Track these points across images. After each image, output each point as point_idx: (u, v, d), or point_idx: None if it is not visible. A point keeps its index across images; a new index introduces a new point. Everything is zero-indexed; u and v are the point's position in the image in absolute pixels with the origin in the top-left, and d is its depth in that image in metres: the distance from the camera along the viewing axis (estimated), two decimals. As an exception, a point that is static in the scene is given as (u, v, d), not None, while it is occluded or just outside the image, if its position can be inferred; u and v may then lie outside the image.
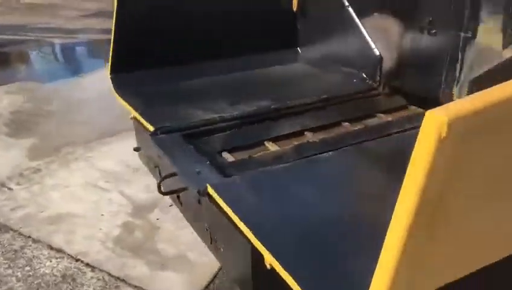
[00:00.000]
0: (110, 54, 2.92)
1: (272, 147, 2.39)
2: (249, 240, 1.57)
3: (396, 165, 1.77)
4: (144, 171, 3.24)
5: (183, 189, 2.15)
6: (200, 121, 2.50)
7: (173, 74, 3.12)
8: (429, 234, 0.96)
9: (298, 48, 3.67)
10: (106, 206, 3.28)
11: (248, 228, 1.56)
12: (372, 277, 1.01)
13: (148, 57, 3.07)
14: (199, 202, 2.01)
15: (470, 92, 2.52)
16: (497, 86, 0.93)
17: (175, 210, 3.07)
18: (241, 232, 1.61)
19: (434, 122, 0.81)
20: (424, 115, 0.82)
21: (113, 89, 2.90)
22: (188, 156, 2.16)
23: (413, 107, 2.86)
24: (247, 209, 1.68)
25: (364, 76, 3.09)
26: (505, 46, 2.45)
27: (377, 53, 3.01)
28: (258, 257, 1.55)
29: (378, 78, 3.02)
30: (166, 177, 2.11)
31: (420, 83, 2.89)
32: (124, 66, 2.94)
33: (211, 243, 2.05)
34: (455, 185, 0.94)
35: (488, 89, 0.92)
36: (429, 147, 0.82)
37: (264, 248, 1.47)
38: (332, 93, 2.90)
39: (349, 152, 2.18)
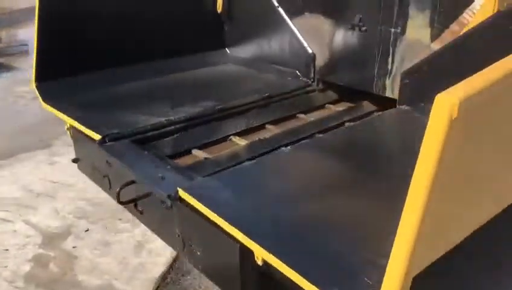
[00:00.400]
0: (34, 61, 2.69)
1: (228, 145, 2.41)
2: (235, 239, 1.53)
3: (348, 154, 2.12)
4: (48, 195, 3.03)
5: (145, 196, 2.01)
6: (148, 126, 2.40)
7: (103, 78, 2.92)
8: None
9: (226, 49, 3.66)
10: (10, 239, 2.90)
11: (234, 226, 1.51)
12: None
13: (75, 62, 2.86)
14: (170, 207, 1.85)
15: (402, 82, 2.67)
16: (494, 65, 1.03)
17: (92, 235, 2.87)
18: (224, 231, 1.56)
19: (445, 105, 0.88)
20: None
21: (40, 99, 2.67)
22: (146, 161, 2.08)
23: (345, 102, 3.09)
24: (226, 208, 1.63)
25: (298, 73, 3.18)
26: (433, 39, 2.71)
27: (310, 51, 3.13)
28: (246, 254, 1.53)
29: (312, 75, 3.14)
30: (125, 185, 1.97)
31: (354, 77, 3.04)
32: (50, 74, 2.73)
33: (183, 249, 1.92)
34: (466, 158, 1.03)
35: (486, 69, 1.02)
36: (441, 129, 0.88)
37: (255, 244, 1.44)
38: (272, 91, 2.95)
39: (304, 145, 2.25)
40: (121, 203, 2.01)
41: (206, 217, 1.62)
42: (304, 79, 3.16)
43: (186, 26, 3.43)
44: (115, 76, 2.99)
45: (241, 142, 2.44)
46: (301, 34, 3.19)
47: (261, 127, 2.64)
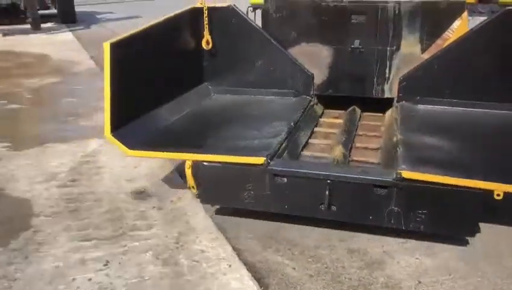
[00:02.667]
0: (108, 114, 2.79)
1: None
2: (469, 188, 2.38)
3: None
4: None
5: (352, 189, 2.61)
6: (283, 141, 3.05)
7: (153, 116, 3.26)
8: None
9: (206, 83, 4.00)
10: None
11: (464, 178, 2.39)
12: None
13: (136, 106, 3.11)
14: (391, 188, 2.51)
15: (400, 84, 3.60)
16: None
17: None
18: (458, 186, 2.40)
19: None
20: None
21: (126, 149, 2.85)
22: (311, 165, 2.95)
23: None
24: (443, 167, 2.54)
25: (297, 92, 3.84)
26: (423, 52, 3.78)
27: (309, 72, 3.82)
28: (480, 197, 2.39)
29: (311, 92, 3.84)
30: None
31: (354, 88, 3.95)
32: (122, 121, 2.90)
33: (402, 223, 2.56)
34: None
35: None
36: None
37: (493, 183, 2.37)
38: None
39: None
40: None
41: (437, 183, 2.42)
42: (304, 96, 3.80)
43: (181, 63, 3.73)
44: (162, 110, 3.37)
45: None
46: (299, 60, 3.85)
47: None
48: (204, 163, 2.77)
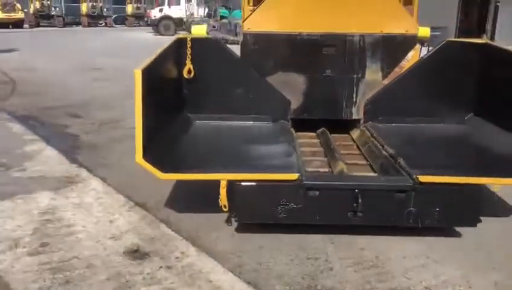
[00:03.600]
0: (140, 140, 2.83)
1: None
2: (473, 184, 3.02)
3: None
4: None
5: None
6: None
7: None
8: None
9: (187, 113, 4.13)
10: None
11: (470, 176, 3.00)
12: None
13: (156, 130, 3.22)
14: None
15: (366, 107, 4.30)
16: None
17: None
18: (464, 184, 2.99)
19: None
20: None
21: (159, 173, 2.91)
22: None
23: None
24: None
25: (275, 117, 4.18)
26: (383, 78, 4.36)
27: (286, 98, 4.22)
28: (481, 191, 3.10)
29: (288, 116, 4.24)
30: None
31: (326, 111, 4.41)
32: (152, 147, 2.97)
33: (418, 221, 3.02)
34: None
35: None
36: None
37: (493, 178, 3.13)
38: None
39: None
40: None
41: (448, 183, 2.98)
42: (281, 120, 4.18)
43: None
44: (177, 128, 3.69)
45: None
46: (276, 87, 4.19)
47: None
48: (242, 183, 2.98)
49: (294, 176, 3.00)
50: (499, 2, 19.63)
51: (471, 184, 3.02)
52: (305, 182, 3.00)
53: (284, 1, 4.31)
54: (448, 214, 3.07)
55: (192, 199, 3.81)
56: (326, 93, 4.32)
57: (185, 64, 3.87)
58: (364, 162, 3.80)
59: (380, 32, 4.25)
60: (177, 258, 2.91)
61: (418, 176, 2.99)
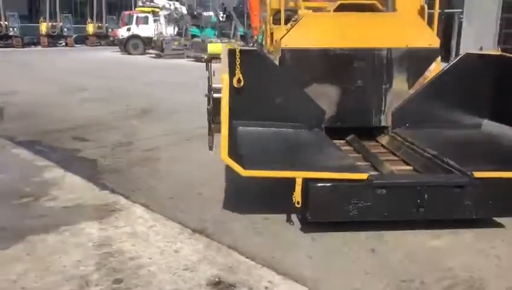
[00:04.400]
0: (226, 140, 3.17)
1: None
2: None
3: None
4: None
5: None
6: None
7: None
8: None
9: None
10: None
11: None
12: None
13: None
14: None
15: (393, 115, 4.60)
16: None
17: None
18: None
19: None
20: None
21: (241, 169, 3.17)
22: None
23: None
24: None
25: (310, 125, 4.37)
26: (409, 88, 4.68)
27: (321, 108, 4.44)
28: None
29: (322, 125, 4.44)
30: None
31: (358, 119, 4.68)
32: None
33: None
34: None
35: None
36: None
37: None
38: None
39: None
40: None
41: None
42: (315, 129, 4.38)
43: None
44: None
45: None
46: (313, 97, 4.43)
47: None
48: (317, 183, 3.21)
49: (364, 175, 3.28)
50: (462, 17, 20.47)
51: None
52: (374, 181, 3.26)
53: (317, 20, 4.69)
54: (500, 206, 3.42)
55: (246, 218, 3.66)
56: (357, 103, 4.61)
57: (235, 74, 3.90)
58: (404, 164, 4.07)
59: (406, 47, 4.56)
60: (266, 288, 2.75)
61: (474, 172, 3.30)
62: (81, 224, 3.60)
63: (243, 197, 4.20)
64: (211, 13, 25.77)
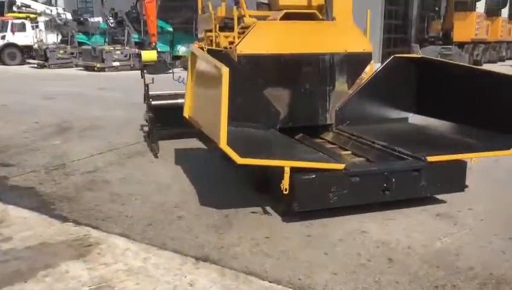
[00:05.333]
0: (225, 128, 3.30)
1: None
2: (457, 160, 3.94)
3: None
4: None
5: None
6: None
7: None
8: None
9: None
10: None
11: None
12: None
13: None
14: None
15: (336, 113, 5.12)
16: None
17: None
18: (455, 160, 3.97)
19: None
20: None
21: (237, 157, 3.30)
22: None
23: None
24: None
25: (266, 126, 4.77)
26: (349, 88, 5.20)
27: (277, 109, 4.91)
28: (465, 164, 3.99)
29: (277, 126, 4.89)
30: None
31: (307, 119, 5.10)
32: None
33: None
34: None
35: None
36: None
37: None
38: None
39: None
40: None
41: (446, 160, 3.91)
42: (271, 129, 4.78)
43: None
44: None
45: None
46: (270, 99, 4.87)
47: None
48: (303, 176, 3.54)
49: (341, 166, 3.67)
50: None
51: (461, 160, 3.95)
52: (350, 171, 3.66)
53: (268, 28, 4.99)
54: (448, 184, 3.99)
55: (244, 239, 3.45)
56: (306, 104, 5.04)
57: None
58: (355, 156, 4.45)
59: (345, 52, 5.09)
60: (311, 312, 2.60)
61: (427, 157, 3.81)
62: (61, 265, 3.10)
63: (230, 215, 3.96)
64: (99, 19, 24.36)
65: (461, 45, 20.52)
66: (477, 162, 4.02)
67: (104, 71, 19.32)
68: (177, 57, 21.13)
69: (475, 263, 3.12)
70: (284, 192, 3.45)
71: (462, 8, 20.49)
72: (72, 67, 21.42)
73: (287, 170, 3.42)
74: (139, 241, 3.49)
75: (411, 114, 5.16)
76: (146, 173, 5.20)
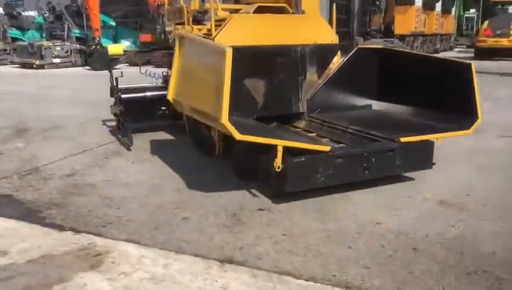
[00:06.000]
0: (227, 104, 3.62)
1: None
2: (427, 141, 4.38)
3: None
4: None
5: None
6: None
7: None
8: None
9: None
10: None
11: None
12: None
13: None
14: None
15: (308, 102, 5.30)
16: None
17: None
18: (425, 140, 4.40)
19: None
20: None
21: (237, 133, 3.59)
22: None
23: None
24: None
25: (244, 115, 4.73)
26: (319, 78, 5.40)
27: (255, 99, 5.01)
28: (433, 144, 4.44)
29: (255, 114, 4.94)
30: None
31: (282, 108, 5.26)
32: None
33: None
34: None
35: None
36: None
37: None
38: None
39: None
40: None
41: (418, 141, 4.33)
42: (249, 118, 4.83)
43: None
44: None
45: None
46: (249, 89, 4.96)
47: None
48: (294, 159, 3.78)
49: (327, 148, 3.97)
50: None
51: (429, 140, 4.35)
52: (336, 153, 3.96)
53: (244, 21, 5.16)
54: (419, 162, 4.41)
55: (262, 237, 3.35)
56: (280, 93, 5.20)
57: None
58: (330, 141, 4.62)
59: (315, 43, 5.28)
60: (359, 308, 2.55)
61: (400, 138, 4.18)
62: (76, 278, 2.85)
63: (238, 213, 3.83)
64: (34, 13, 22.94)
65: (402, 38, 21.26)
66: (442, 141, 4.48)
67: (44, 68, 18.20)
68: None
69: (495, 247, 3.21)
70: (277, 170, 3.71)
71: (401, 2, 21.24)
72: (7, 64, 20.06)
73: (280, 149, 3.67)
74: (151, 246, 3.29)
75: (374, 101, 5.53)
76: (131, 174, 4.93)
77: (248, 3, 5.66)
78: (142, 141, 6.12)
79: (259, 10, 5.29)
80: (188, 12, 5.93)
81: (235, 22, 4.97)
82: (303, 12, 5.75)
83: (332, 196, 4.12)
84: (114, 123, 6.84)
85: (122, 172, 5.01)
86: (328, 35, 5.46)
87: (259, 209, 3.90)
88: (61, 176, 4.87)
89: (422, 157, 4.40)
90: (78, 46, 18.89)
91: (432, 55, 6.77)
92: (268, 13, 5.27)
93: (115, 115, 6.60)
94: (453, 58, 5.05)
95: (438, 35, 26.29)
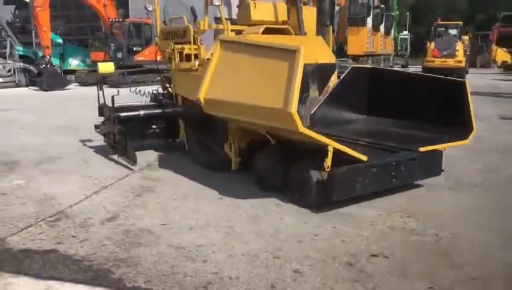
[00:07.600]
0: (297, 98, 3.89)
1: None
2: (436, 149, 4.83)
3: None
4: None
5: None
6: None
7: None
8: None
9: None
10: None
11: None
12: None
13: None
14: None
15: (311, 117, 5.57)
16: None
17: None
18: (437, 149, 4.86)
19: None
20: None
21: (301, 126, 3.90)
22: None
23: None
24: None
25: None
26: (319, 95, 5.73)
27: None
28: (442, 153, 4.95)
29: None
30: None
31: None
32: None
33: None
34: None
35: None
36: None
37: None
38: None
39: None
40: None
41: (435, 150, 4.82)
42: None
43: None
44: None
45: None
46: None
47: None
48: (339, 171, 4.04)
49: (365, 157, 4.16)
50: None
51: (439, 149, 4.77)
52: (372, 162, 4.21)
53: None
54: (432, 169, 4.81)
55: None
56: None
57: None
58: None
59: (316, 62, 5.56)
60: None
61: (419, 148, 4.56)
62: None
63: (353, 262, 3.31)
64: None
65: (355, 58, 21.72)
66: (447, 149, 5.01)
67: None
68: (69, 71, 19.03)
69: None
70: (326, 169, 4.04)
71: (354, 23, 21.72)
72: None
73: (331, 149, 3.99)
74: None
75: (364, 116, 6.02)
76: (186, 214, 4.23)
77: (249, 25, 5.92)
78: (156, 168, 5.40)
79: (266, 31, 5.61)
80: (196, 32, 6.10)
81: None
82: (305, 33, 6.02)
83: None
84: (109, 149, 6.40)
85: (172, 212, 4.30)
86: (327, 55, 5.93)
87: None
88: (101, 221, 4.07)
89: (434, 165, 4.81)
90: (22, 64, 17.32)
91: (416, 72, 7.40)
92: (273, 34, 5.60)
93: (104, 135, 6.52)
94: (447, 77, 5.63)
95: (381, 55, 27.28)
